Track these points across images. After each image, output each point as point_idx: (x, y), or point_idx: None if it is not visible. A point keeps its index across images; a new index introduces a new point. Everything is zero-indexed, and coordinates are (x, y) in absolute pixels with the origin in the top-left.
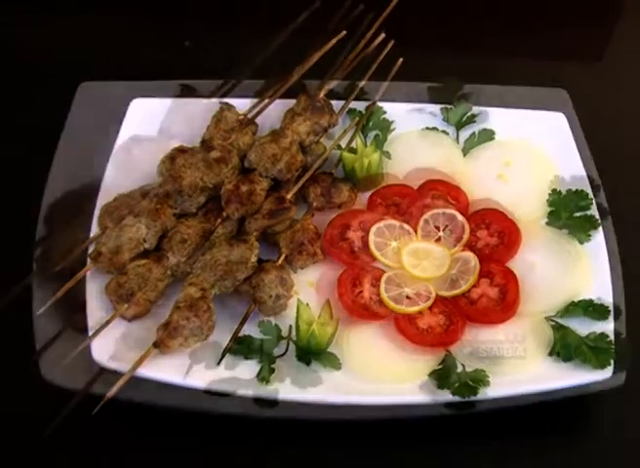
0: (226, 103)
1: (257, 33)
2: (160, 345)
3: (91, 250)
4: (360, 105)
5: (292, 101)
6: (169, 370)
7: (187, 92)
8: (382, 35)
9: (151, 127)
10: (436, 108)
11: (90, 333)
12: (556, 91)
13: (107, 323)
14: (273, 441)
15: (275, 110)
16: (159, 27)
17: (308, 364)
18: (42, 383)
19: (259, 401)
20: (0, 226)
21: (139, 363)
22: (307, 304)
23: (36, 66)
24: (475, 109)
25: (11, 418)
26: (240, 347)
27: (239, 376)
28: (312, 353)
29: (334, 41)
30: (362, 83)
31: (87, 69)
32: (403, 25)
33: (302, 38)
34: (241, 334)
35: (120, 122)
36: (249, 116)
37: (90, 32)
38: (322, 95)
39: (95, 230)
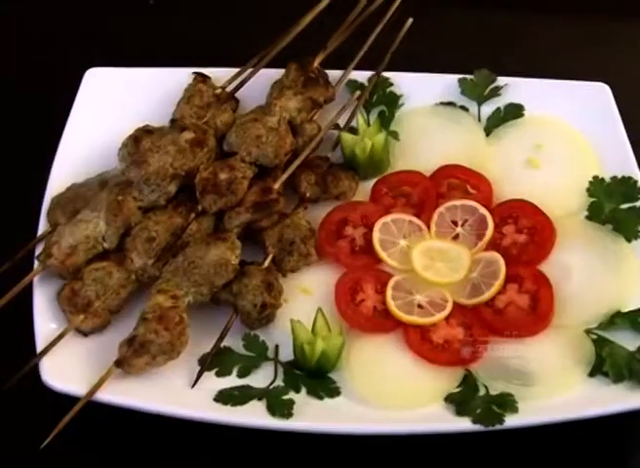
0: (201, 74)
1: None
2: (123, 364)
3: (39, 250)
4: (362, 76)
5: (280, 72)
6: (134, 393)
7: (200, 78)
8: None
9: (110, 102)
10: (453, 79)
11: (38, 350)
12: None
13: (60, 338)
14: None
15: (260, 83)
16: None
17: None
18: (42, 388)
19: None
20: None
21: (97, 386)
22: (299, 320)
23: (41, 52)
24: (500, 80)
25: (8, 424)
26: (219, 365)
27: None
28: (321, 376)
29: None
30: (364, 48)
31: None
32: None
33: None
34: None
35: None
36: (228, 89)
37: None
38: (316, 64)
39: (43, 227)
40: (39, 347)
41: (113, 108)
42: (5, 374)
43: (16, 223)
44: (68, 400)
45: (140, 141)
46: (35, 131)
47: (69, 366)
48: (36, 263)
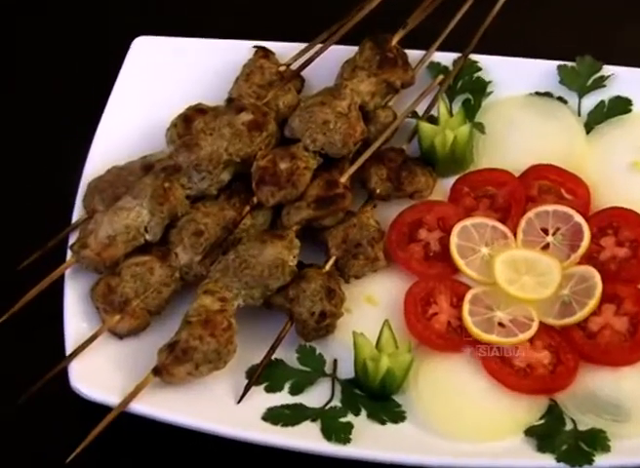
0: (263, 48)
1: None
2: (162, 372)
3: (73, 240)
4: (446, 58)
5: (353, 49)
6: (172, 405)
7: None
8: None
9: (159, 76)
10: (551, 65)
11: (67, 352)
12: None
13: (92, 339)
14: None
15: (329, 61)
16: None
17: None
18: (70, 393)
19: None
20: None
21: (132, 395)
22: (362, 333)
23: (84, 19)
24: (606, 69)
25: (33, 432)
26: (269, 379)
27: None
28: (384, 397)
29: None
30: (450, 27)
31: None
32: None
33: None
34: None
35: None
36: (293, 67)
37: None
38: (395, 42)
39: (78, 214)
40: (69, 349)
41: (162, 83)
42: (31, 377)
43: (48, 208)
44: (99, 408)
45: (191, 121)
46: (73, 105)
47: (101, 371)
48: (69, 254)
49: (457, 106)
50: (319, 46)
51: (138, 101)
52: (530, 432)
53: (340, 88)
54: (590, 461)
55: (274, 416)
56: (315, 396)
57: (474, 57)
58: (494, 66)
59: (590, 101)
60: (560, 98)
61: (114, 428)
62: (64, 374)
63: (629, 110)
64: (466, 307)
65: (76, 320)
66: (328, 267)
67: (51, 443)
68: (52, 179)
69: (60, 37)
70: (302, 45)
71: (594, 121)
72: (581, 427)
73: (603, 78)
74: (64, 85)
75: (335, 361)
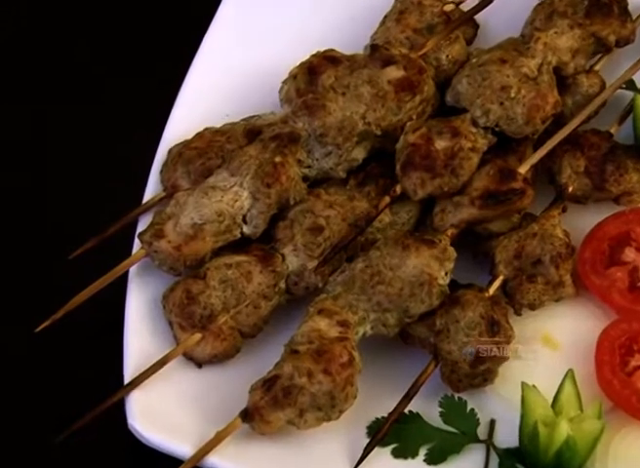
0: None
1: None
2: (254, 418)
3: (143, 226)
4: None
5: None
6: (263, 464)
7: None
8: None
9: (266, 10)
10: None
11: (125, 380)
12: None
13: (160, 364)
14: None
15: (514, 2)
16: None
17: None
18: (126, 435)
19: None
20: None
21: (210, 446)
22: (534, 386)
23: None
24: None
25: None
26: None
27: None
28: None
29: None
30: None
31: None
32: None
33: None
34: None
35: None
36: (463, 7)
37: None
38: None
39: (153, 191)
40: (128, 375)
41: (270, 18)
42: (76, 406)
43: (112, 182)
44: (163, 458)
45: (317, 74)
46: (158, 52)
47: (170, 409)
48: (136, 245)
49: None
50: None
51: (236, 42)
52: None
53: (530, 41)
54: None
55: None
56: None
57: None
58: None
59: None
60: None
61: None
62: (120, 409)
63: None
64: None
65: (140, 337)
66: (492, 291)
67: None
68: (119, 143)
69: None
70: None
71: None
72: None
73: None
74: (148, 32)
75: (492, 422)
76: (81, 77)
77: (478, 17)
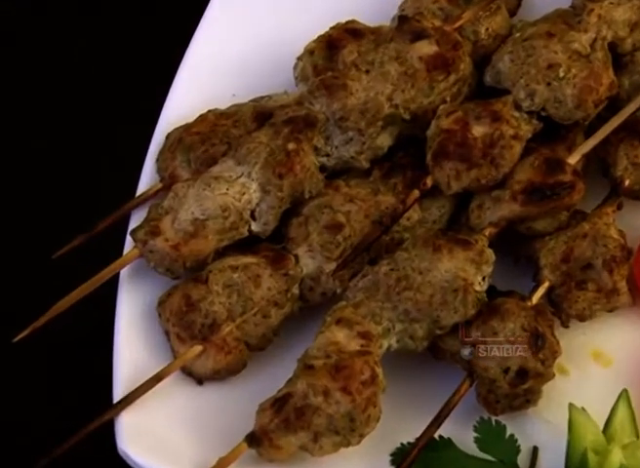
0: None
1: None
2: (263, 443)
3: (136, 223)
4: None
5: None
6: None
7: None
8: None
9: None
10: None
11: (115, 398)
12: None
13: (155, 381)
14: None
15: None
16: None
17: None
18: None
19: None
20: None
21: None
22: (583, 408)
23: None
24: None
25: None
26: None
27: None
28: None
29: None
30: None
31: None
32: None
33: None
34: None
35: None
36: None
37: None
38: None
39: (148, 182)
40: (117, 393)
41: None
42: (61, 427)
43: (102, 172)
44: None
45: (337, 49)
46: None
47: (165, 431)
48: (128, 244)
49: None
50: None
51: (244, 6)
52: None
53: (581, 12)
54: None
55: None
56: None
57: None
58: None
59: None
60: None
61: None
62: (110, 430)
63: None
64: None
65: (133, 349)
66: (536, 299)
67: None
68: (108, 127)
69: None
70: None
71: None
72: None
73: None
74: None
75: (535, 449)
76: (74, 57)
77: None
